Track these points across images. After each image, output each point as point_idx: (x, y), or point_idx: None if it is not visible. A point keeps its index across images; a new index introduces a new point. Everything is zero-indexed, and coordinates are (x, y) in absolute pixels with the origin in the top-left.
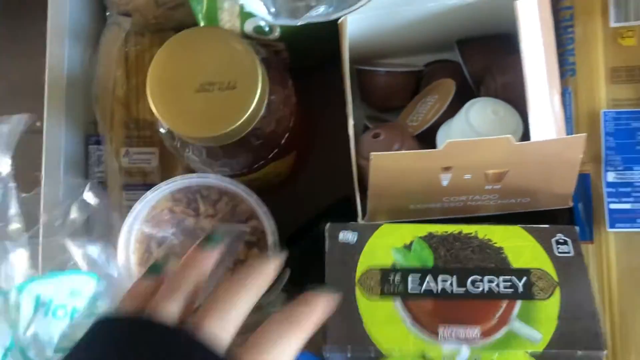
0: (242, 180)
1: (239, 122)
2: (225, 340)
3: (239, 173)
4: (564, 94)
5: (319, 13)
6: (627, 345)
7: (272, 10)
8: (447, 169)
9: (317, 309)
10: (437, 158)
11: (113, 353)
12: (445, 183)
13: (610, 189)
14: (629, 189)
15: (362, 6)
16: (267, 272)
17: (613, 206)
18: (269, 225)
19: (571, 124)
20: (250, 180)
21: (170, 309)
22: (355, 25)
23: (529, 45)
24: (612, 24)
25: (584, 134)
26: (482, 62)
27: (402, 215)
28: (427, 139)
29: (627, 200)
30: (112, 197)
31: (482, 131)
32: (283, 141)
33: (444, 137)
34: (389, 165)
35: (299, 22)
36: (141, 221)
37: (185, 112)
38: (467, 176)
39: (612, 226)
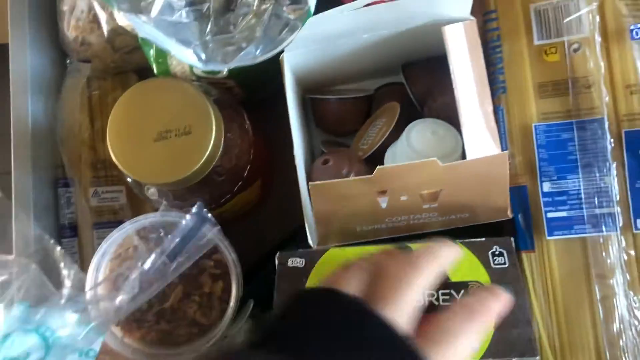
0: (213, 214)
1: (198, 165)
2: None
3: (208, 209)
4: (496, 110)
5: (247, 56)
6: (574, 346)
7: (203, 57)
8: (382, 192)
9: (496, 303)
10: (371, 184)
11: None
12: (384, 205)
13: (546, 199)
14: (564, 197)
15: (287, 45)
16: (439, 257)
17: (550, 215)
18: (231, 259)
19: (505, 139)
20: (221, 213)
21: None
22: (300, 59)
23: (458, 67)
24: (536, 42)
25: (506, 151)
26: (424, 83)
27: (351, 237)
28: (377, 161)
29: (563, 209)
30: (84, 237)
31: (423, 152)
32: (246, 173)
33: (390, 159)
34: (329, 192)
35: (229, 67)
36: (108, 259)
37: (146, 162)
38: (404, 197)
39: (550, 234)
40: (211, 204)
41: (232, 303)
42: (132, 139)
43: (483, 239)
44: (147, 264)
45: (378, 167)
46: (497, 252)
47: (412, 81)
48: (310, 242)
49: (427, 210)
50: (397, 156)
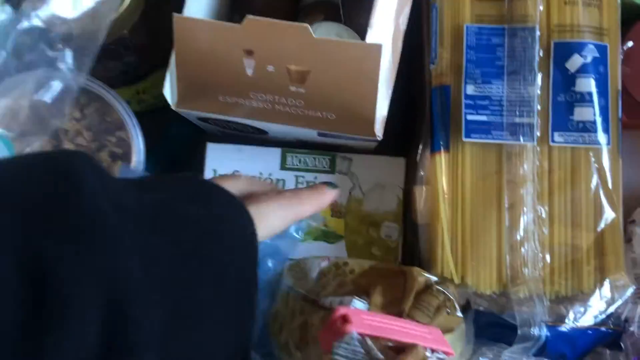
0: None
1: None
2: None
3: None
4: (431, 8)
5: None
6: (476, 251)
7: None
8: (249, 53)
9: (321, 195)
10: (239, 35)
11: None
12: (249, 72)
13: (468, 101)
14: (486, 102)
15: None
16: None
17: (470, 117)
18: (136, 139)
19: (436, 38)
20: (139, 93)
21: None
22: None
23: None
24: None
25: (381, 43)
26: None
27: (213, 107)
28: None
29: (484, 113)
30: None
31: None
32: (157, 60)
33: None
34: (194, 33)
35: None
36: None
37: None
38: (270, 68)
39: (467, 136)
40: (126, 73)
41: None
42: None
43: None
44: None
45: (248, 15)
46: None
47: None
48: (168, 98)
49: (293, 94)
50: None
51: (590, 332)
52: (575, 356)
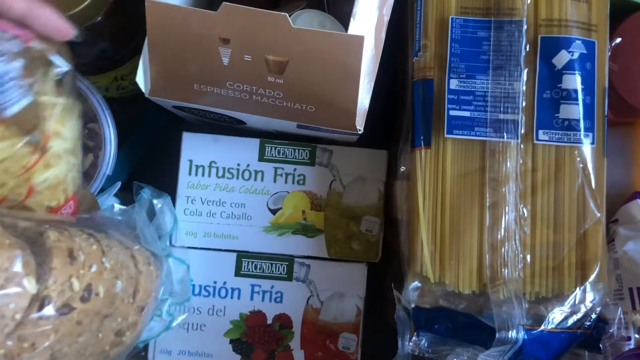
0: (109, 79)
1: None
2: None
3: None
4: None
5: None
6: (456, 249)
7: None
8: (225, 41)
9: None
10: (214, 22)
11: None
12: (226, 60)
13: (451, 96)
14: (470, 97)
15: None
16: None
17: (453, 113)
18: (107, 131)
19: (420, 29)
20: (117, 79)
21: None
22: None
23: None
24: None
25: (363, 34)
26: None
27: (186, 96)
28: None
29: (467, 108)
30: None
31: None
32: (133, 45)
33: None
34: (166, 18)
35: None
36: None
37: None
38: (248, 57)
39: (449, 132)
40: (102, 59)
41: (98, 181)
42: None
43: None
44: None
45: (225, 2)
46: None
47: None
48: (142, 86)
49: (272, 85)
50: None
51: (563, 335)
52: (548, 359)
